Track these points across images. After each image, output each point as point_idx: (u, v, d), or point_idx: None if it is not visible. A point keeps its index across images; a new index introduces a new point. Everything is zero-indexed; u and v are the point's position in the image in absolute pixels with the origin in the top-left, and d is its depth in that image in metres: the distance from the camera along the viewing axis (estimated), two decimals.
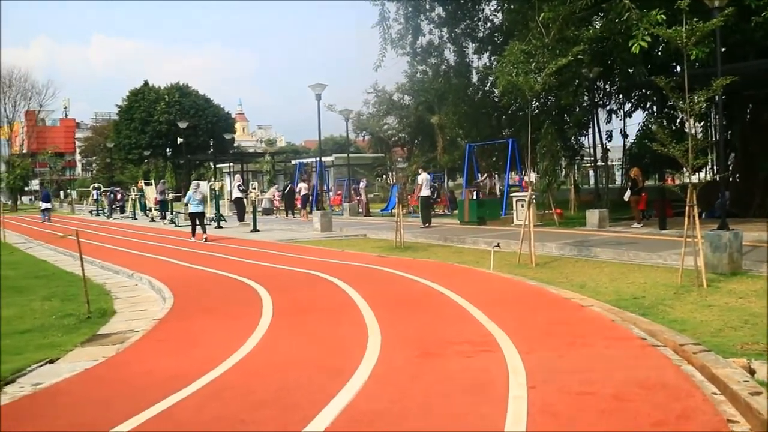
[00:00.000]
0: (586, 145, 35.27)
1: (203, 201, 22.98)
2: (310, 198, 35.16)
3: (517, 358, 6.19)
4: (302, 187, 35.72)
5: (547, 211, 23.93)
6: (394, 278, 12.03)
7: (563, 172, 35.05)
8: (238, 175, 34.19)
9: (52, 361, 7.43)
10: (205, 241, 21.34)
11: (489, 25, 30.62)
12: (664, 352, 6.25)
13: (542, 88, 13.66)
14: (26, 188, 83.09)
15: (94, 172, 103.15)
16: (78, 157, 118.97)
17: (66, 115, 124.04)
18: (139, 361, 7.00)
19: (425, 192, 24.43)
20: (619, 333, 7.08)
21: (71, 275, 15.08)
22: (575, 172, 40.64)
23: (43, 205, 40.10)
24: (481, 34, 30.43)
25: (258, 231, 25.01)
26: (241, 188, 30.84)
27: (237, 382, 5.96)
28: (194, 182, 24.97)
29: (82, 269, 10.58)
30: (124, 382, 6.23)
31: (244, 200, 30.88)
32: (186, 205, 23.37)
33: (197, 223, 22.01)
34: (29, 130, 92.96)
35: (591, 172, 40.32)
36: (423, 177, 24.79)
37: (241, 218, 30.07)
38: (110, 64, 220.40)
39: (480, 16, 30.40)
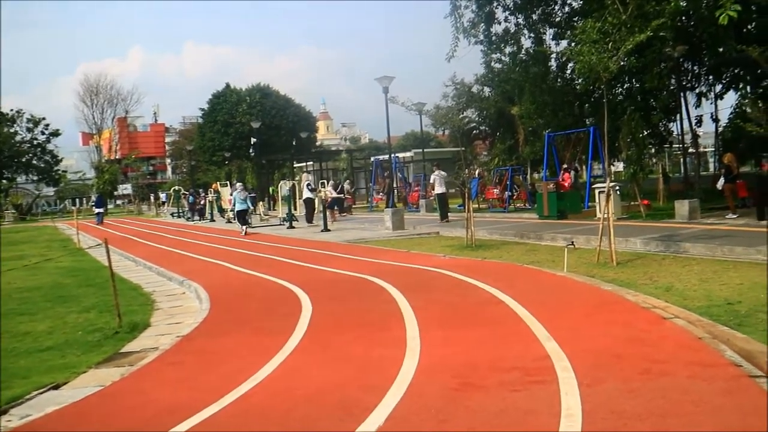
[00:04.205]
0: (676, 131, 33.19)
1: (245, 200, 26.88)
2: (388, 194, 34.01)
3: (575, 392, 4.97)
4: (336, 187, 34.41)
5: (632, 203, 22.31)
6: (454, 284, 10.88)
7: (652, 161, 32.91)
8: (305, 174, 33.31)
9: (56, 387, 6.66)
10: (245, 234, 25.15)
11: (567, 9, 28.99)
12: (765, 386, 4.91)
13: (617, 67, 12.28)
14: (115, 192, 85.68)
15: (183, 175, 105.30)
16: (168, 160, 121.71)
17: (156, 120, 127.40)
18: (136, 391, 6.12)
19: (440, 189, 25.70)
20: (707, 356, 5.74)
21: (126, 283, 14.54)
22: (665, 160, 38.34)
23: (96, 210, 44.89)
24: (558, 19, 28.82)
25: (329, 231, 24.23)
26: (310, 187, 29.99)
27: (233, 422, 4.98)
28: (238, 184, 28.46)
29: (112, 280, 9.83)
30: (108, 419, 5.37)
31: (315, 200, 30.10)
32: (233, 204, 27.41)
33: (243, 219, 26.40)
34: (121, 136, 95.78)
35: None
36: (435, 175, 26.25)
37: (309, 219, 29.23)
38: (200, 71, 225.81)
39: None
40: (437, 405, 5.02)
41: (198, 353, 7.41)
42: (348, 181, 41.94)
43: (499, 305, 8.76)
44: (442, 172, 26.48)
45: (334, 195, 31.16)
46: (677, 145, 37.15)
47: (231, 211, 37.13)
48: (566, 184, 25.29)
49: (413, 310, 8.68)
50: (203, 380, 6.27)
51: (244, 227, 26.10)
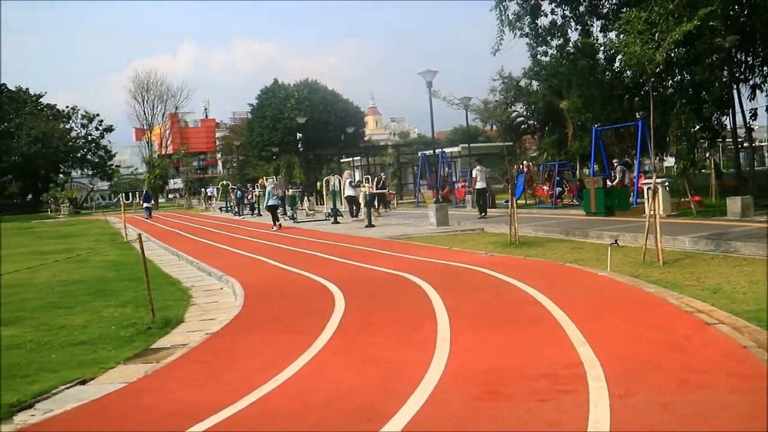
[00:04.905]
0: (729, 125, 32.24)
1: (279, 196, 27.63)
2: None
3: (605, 404, 4.70)
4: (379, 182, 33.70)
5: (683, 199, 21.65)
6: (492, 283, 10.61)
7: (705, 155, 31.93)
8: (347, 171, 33.08)
9: (83, 382, 6.65)
10: (279, 227, 26.03)
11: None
12: None
13: (663, 59, 11.84)
14: (167, 187, 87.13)
15: (233, 170, 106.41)
16: (219, 155, 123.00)
17: (206, 115, 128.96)
18: (157, 389, 6.05)
19: (480, 185, 25.38)
20: (752, 368, 5.39)
21: (166, 278, 14.63)
22: (719, 154, 37.17)
23: (145, 205, 46.23)
24: (606, 10, 28.19)
25: (373, 226, 24.11)
26: (353, 184, 29.74)
27: (247, 425, 4.86)
28: (270, 179, 29.34)
29: (146, 275, 9.83)
30: (124, 417, 5.32)
31: (359, 197, 29.90)
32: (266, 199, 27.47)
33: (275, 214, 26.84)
34: (173, 132, 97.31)
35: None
36: (477, 170, 25.86)
37: (353, 215, 29.09)
38: (249, 66, 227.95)
39: None
40: (458, 414, 4.80)
41: (224, 351, 7.31)
42: (382, 174, 41.56)
43: (536, 306, 8.49)
44: (484, 168, 26.19)
45: (374, 191, 30.84)
46: (730, 140, 36.12)
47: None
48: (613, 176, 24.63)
49: (447, 310, 8.46)
50: (225, 380, 6.15)
51: (277, 222, 26.57)
